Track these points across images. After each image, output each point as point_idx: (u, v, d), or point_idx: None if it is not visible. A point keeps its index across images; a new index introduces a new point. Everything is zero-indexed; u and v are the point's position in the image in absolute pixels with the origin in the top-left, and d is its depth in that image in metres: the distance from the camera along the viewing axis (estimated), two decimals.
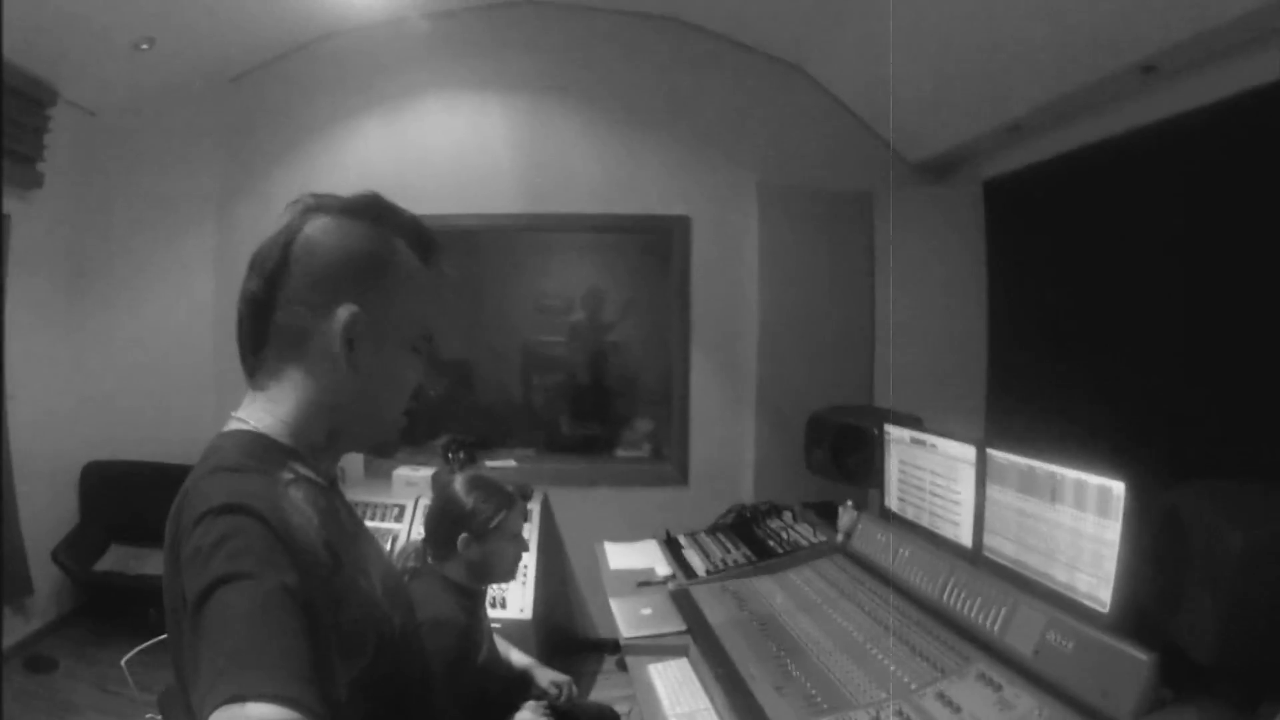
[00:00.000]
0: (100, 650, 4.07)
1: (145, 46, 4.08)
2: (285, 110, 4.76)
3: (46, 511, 4.51)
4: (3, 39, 3.27)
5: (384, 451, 1.26)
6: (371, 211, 1.15)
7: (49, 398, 4.54)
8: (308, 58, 4.75)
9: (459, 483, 2.41)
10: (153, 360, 4.75)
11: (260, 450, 1.05)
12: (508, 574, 2.44)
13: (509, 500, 2.39)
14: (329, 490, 1.12)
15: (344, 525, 1.11)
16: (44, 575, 4.44)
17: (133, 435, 4.58)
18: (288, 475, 1.03)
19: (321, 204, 1.14)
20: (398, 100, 4.73)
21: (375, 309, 1.10)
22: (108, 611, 4.43)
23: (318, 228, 1.11)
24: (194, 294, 4.67)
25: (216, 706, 0.69)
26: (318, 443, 1.12)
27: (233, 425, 1.09)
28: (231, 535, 0.86)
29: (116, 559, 4.54)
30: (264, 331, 1.10)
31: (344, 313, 1.07)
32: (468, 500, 2.35)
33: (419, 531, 2.59)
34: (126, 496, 4.51)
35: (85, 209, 4.71)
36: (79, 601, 4.72)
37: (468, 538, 2.31)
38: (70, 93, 4.30)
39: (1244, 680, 1.57)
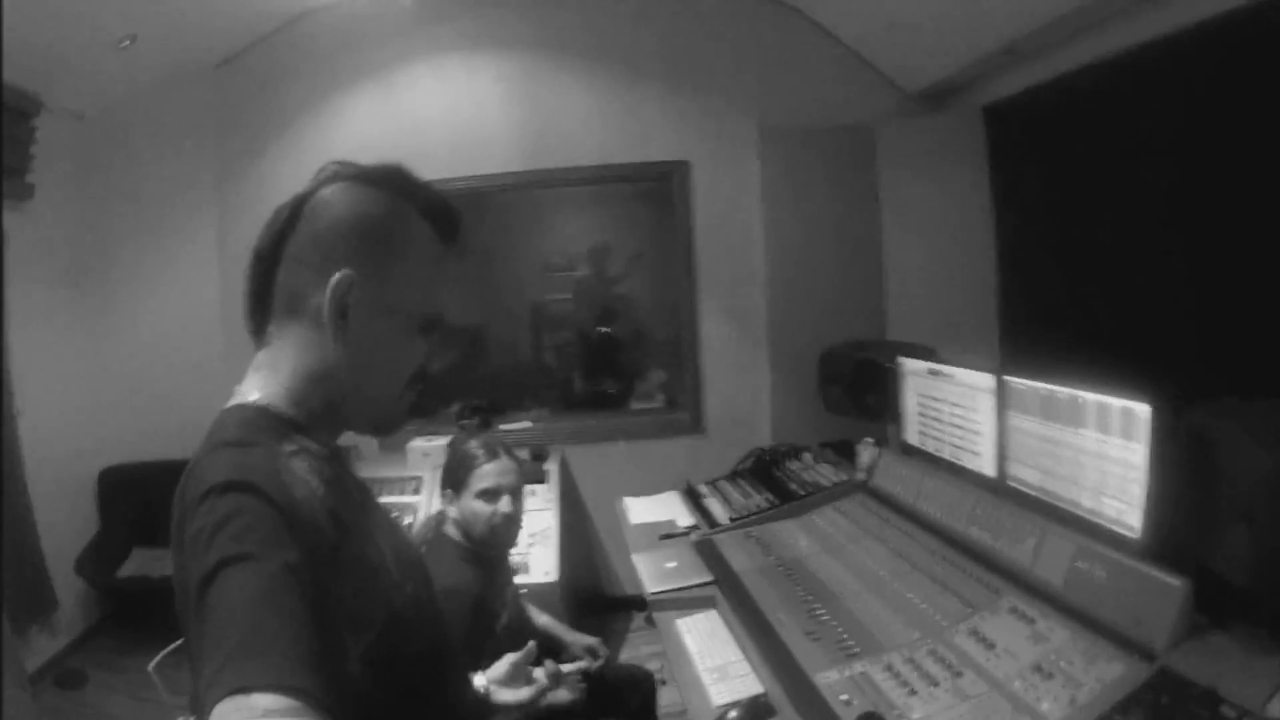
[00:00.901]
0: (129, 659, 4.07)
1: (126, 44, 4.02)
2: (274, 91, 4.73)
3: (66, 523, 4.52)
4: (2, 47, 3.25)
5: (383, 431, 1.20)
6: (390, 180, 1.12)
7: (60, 408, 4.54)
8: (291, 36, 4.69)
9: (472, 439, 2.43)
10: (162, 357, 4.75)
11: (262, 423, 1.03)
12: (488, 538, 2.35)
13: (487, 454, 2.36)
14: (333, 460, 1.09)
15: (350, 495, 1.09)
16: (68, 588, 4.44)
17: (147, 435, 4.57)
18: (290, 447, 1.01)
19: (342, 171, 1.12)
20: (387, 69, 4.70)
21: (376, 277, 1.07)
22: (134, 617, 4.44)
23: (332, 190, 1.09)
24: (199, 285, 4.66)
25: (220, 698, 0.68)
26: (316, 413, 1.09)
27: (235, 400, 1.07)
28: (234, 515, 0.84)
29: (139, 563, 4.56)
30: (267, 290, 1.08)
31: (338, 276, 1.04)
32: (454, 453, 2.39)
33: (436, 504, 2.57)
34: (145, 498, 4.47)
35: (82, 213, 4.69)
36: (105, 611, 4.74)
37: (450, 494, 2.34)
38: (55, 99, 4.25)
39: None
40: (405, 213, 1.11)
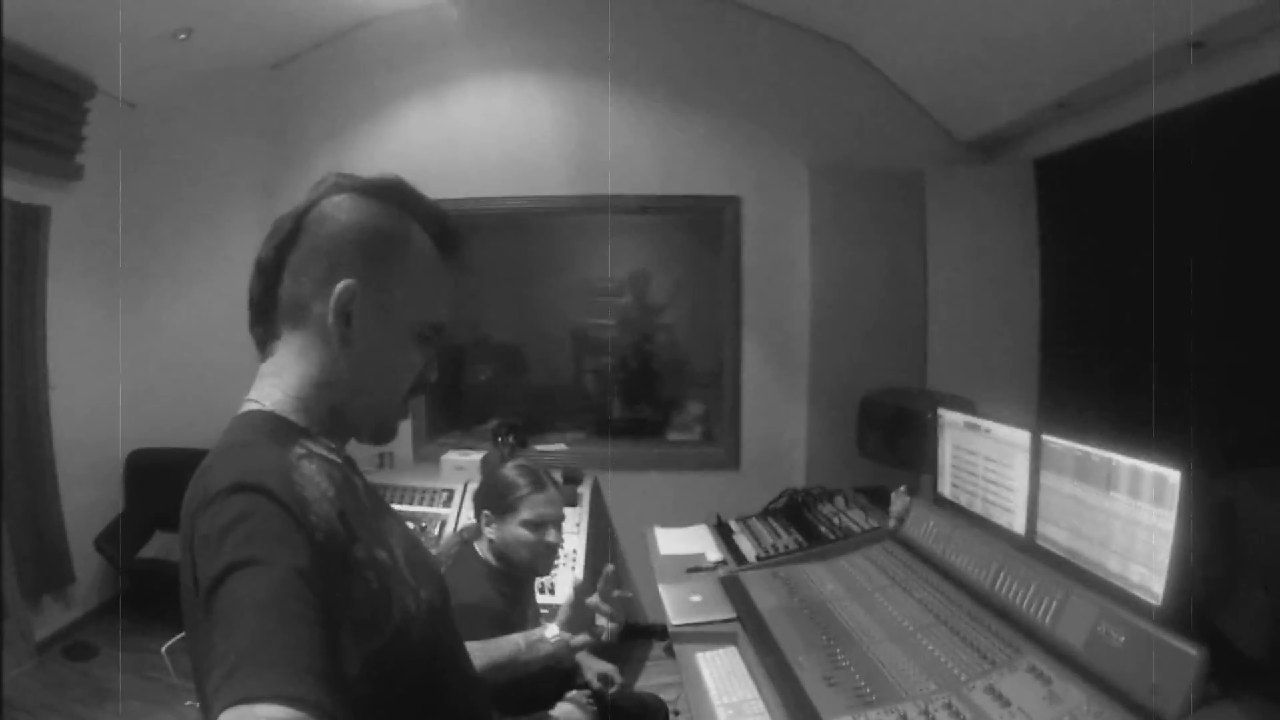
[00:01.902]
0: (142, 638, 4.13)
1: (183, 37, 4.13)
2: (326, 97, 4.81)
3: (91, 501, 4.63)
4: (2, 21, 3.32)
5: (381, 439, 1.21)
6: (390, 193, 1.15)
7: (93, 388, 4.65)
8: (347, 44, 4.79)
9: (509, 463, 2.45)
10: (198, 347, 4.81)
11: (271, 428, 1.05)
12: (528, 564, 2.38)
13: (534, 484, 2.37)
14: (343, 466, 1.10)
15: (361, 499, 1.10)
16: (87, 564, 4.55)
17: (178, 423, 4.60)
18: (300, 450, 1.02)
19: (343, 182, 1.14)
20: (438, 83, 4.75)
21: (377, 287, 1.10)
22: (150, 599, 4.48)
23: (333, 202, 1.12)
24: (237, 281, 4.65)
25: (226, 706, 0.69)
26: (323, 420, 1.11)
27: (246, 407, 1.10)
28: (242, 517, 0.86)
29: (160, 546, 4.64)
30: (271, 301, 1.11)
31: (340, 286, 1.07)
32: (503, 475, 2.38)
33: (468, 516, 2.60)
34: (171, 483, 4.47)
35: (127, 200, 4.75)
36: (121, 590, 4.81)
37: (489, 515, 2.34)
38: (108, 84, 4.35)
39: None
40: (406, 225, 1.15)
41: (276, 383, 1.10)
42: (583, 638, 1.75)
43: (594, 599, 1.81)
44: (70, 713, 3.73)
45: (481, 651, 1.54)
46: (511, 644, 1.60)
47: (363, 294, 1.08)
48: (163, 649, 2.72)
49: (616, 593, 1.92)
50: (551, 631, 1.64)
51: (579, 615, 1.71)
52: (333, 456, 1.09)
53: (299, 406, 1.09)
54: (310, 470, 0.99)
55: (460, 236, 1.21)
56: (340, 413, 1.13)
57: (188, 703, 3.56)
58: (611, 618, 1.89)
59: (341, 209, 1.11)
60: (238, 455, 0.98)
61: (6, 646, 3.88)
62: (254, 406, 1.09)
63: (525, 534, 2.32)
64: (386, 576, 1.03)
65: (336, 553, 0.93)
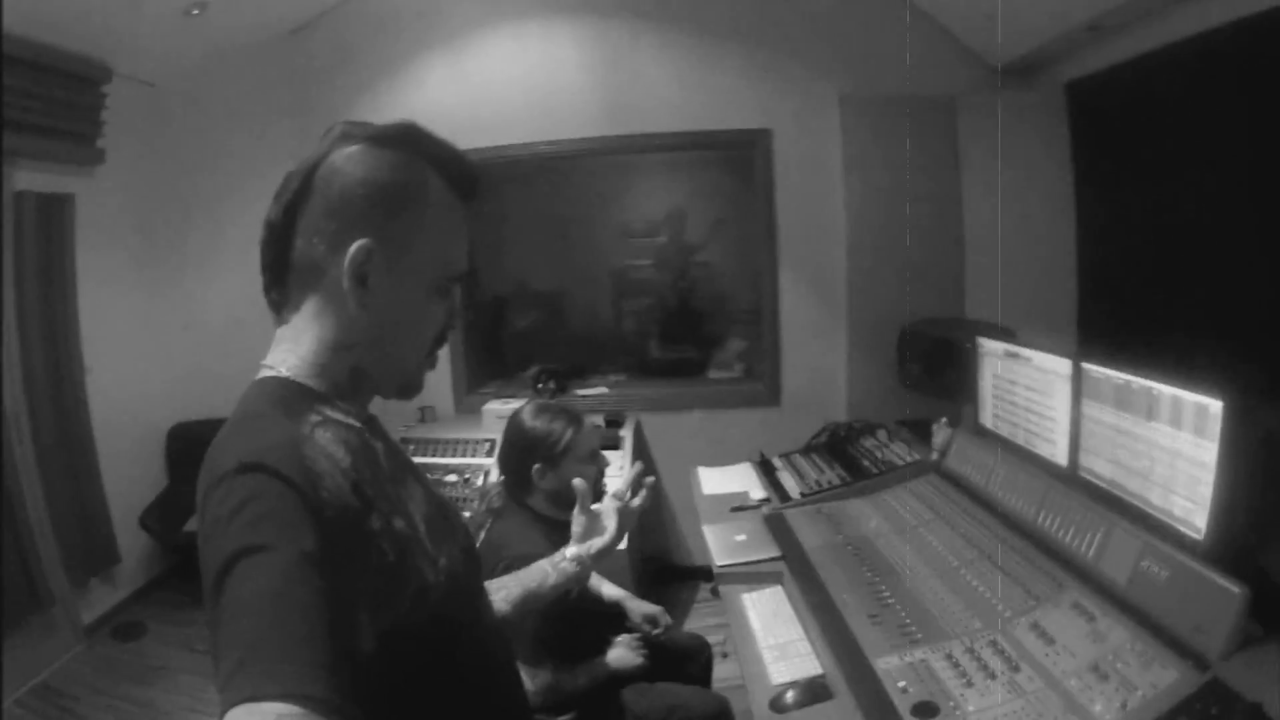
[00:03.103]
0: (189, 612, 4.23)
1: (196, 12, 4.08)
2: (347, 58, 4.77)
3: (134, 479, 4.70)
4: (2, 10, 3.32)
5: (408, 394, 1.18)
6: (404, 140, 1.10)
7: (132, 366, 4.71)
8: (363, 2, 4.74)
9: (526, 411, 2.43)
10: (233, 318, 4.74)
11: (285, 395, 1.04)
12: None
13: (576, 420, 2.40)
14: (363, 430, 1.09)
15: (380, 465, 1.08)
16: (132, 542, 4.63)
17: (217, 394, 4.56)
18: (314, 417, 1.01)
19: (352, 131, 1.09)
20: (462, 35, 4.69)
21: (394, 243, 1.06)
22: (197, 572, 4.57)
23: (343, 155, 1.07)
24: None
25: (235, 703, 0.70)
26: (342, 383, 1.09)
27: (262, 373, 1.08)
28: (249, 500, 0.85)
29: None
30: (284, 264, 1.08)
31: (355, 246, 1.03)
32: (534, 427, 2.37)
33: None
34: None
35: (155, 178, 4.80)
36: (168, 565, 4.90)
37: (541, 466, 2.34)
38: (125, 67, 4.34)
39: None
40: (421, 173, 1.10)
41: (292, 348, 1.08)
42: (600, 542, 1.72)
43: (604, 504, 1.77)
44: (121, 694, 3.78)
45: (515, 583, 1.56)
46: (540, 571, 1.62)
47: (379, 253, 1.05)
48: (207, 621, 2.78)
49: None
50: (571, 550, 1.66)
51: (590, 522, 1.71)
52: (351, 421, 1.08)
53: (316, 371, 1.08)
54: (324, 440, 0.99)
55: (477, 178, 1.16)
56: (362, 373, 1.11)
57: None
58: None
59: (353, 161, 1.06)
60: (246, 431, 0.97)
61: (54, 634, 3.97)
62: (269, 373, 1.08)
63: (583, 469, 2.33)
64: (404, 547, 1.02)
65: (350, 528, 0.93)
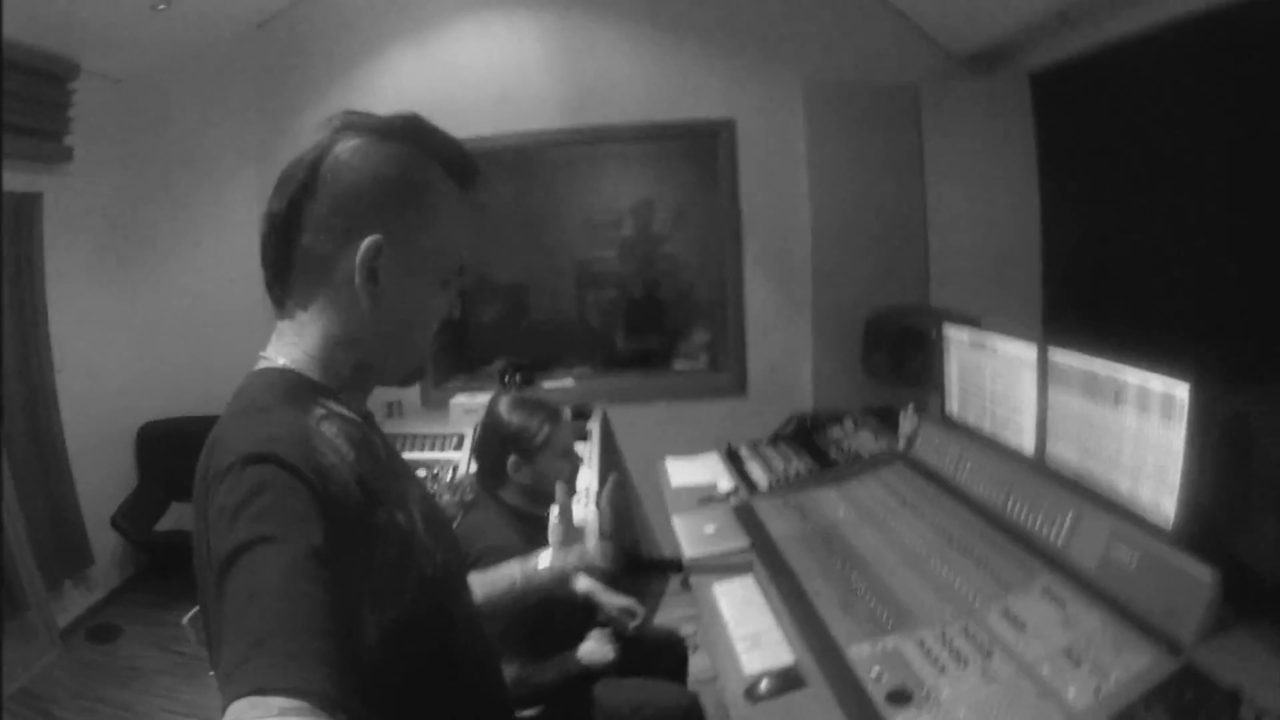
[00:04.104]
0: (163, 612, 4.17)
1: (163, 6, 4.02)
2: (315, 50, 4.74)
3: (105, 478, 4.64)
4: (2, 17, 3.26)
5: (410, 382, 1.21)
6: (407, 133, 1.10)
7: (101, 365, 4.65)
8: None
9: (503, 404, 2.41)
10: (201, 314, 4.85)
11: (288, 387, 1.03)
12: None
13: (554, 415, 2.40)
14: (363, 425, 1.09)
15: (380, 460, 1.08)
16: (104, 543, 4.57)
17: (187, 391, 4.65)
18: (319, 411, 1.01)
19: (354, 123, 1.09)
20: (429, 26, 4.68)
21: (403, 238, 1.06)
22: (170, 571, 4.54)
23: (348, 149, 1.06)
24: (238, 245, 4.66)
25: (239, 695, 0.69)
26: (345, 377, 1.09)
27: (261, 364, 1.07)
28: (257, 491, 0.84)
29: (178, 517, 4.68)
30: (287, 257, 1.06)
31: (366, 242, 1.03)
32: (512, 420, 2.36)
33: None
34: (185, 453, 4.48)
35: (123, 175, 4.75)
36: (140, 565, 4.85)
37: (516, 459, 2.33)
38: (92, 63, 4.28)
39: None
40: (426, 167, 1.10)
41: (297, 341, 1.08)
42: (574, 559, 1.74)
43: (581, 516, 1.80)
44: (100, 696, 3.75)
45: (480, 586, 1.55)
46: (508, 577, 1.61)
47: (388, 248, 1.04)
48: (184, 620, 2.74)
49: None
50: (545, 559, 1.65)
51: (568, 530, 1.71)
52: (353, 415, 1.07)
53: (320, 364, 1.07)
54: (330, 433, 0.98)
55: (478, 169, 1.17)
56: (367, 367, 1.11)
57: (210, 674, 3.60)
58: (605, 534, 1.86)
59: (359, 156, 1.05)
60: (254, 421, 0.96)
61: (30, 639, 3.90)
62: (270, 364, 1.07)
63: (560, 464, 2.37)
64: (405, 541, 1.03)
65: (355, 522, 0.93)
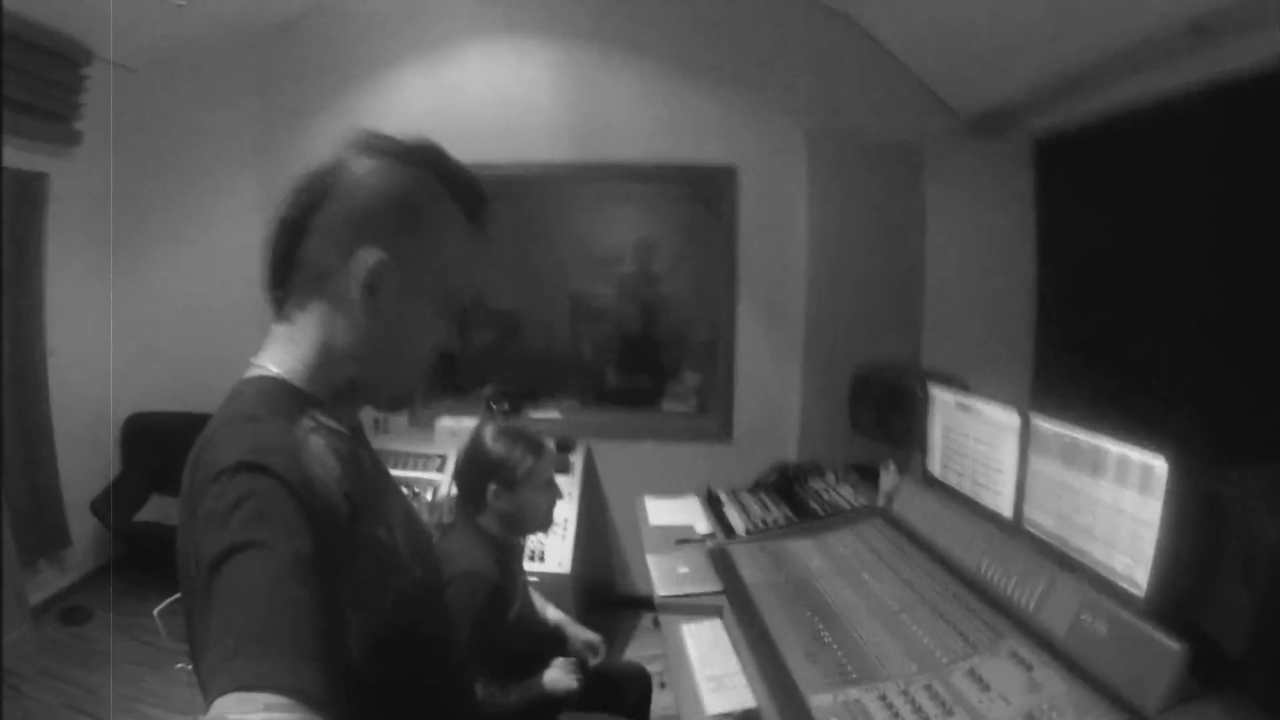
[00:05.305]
0: (136, 601, 4.14)
1: (182, 3, 4.05)
2: (325, 59, 4.75)
3: (88, 465, 4.63)
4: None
5: (399, 407, 1.22)
6: (424, 160, 1.11)
7: (91, 353, 4.63)
8: (347, 5, 4.72)
9: (488, 432, 2.40)
10: (196, 311, 4.84)
11: (280, 397, 1.03)
12: (541, 524, 2.44)
13: (538, 448, 2.38)
14: (351, 439, 1.10)
15: (367, 475, 1.09)
16: (83, 527, 4.57)
17: (174, 387, 4.67)
18: (308, 423, 1.02)
19: (372, 143, 1.10)
20: (439, 48, 4.69)
21: (406, 260, 1.06)
22: (146, 562, 4.52)
23: (363, 166, 1.07)
24: (236, 244, 4.68)
25: (225, 690, 0.69)
26: (338, 389, 1.10)
27: (254, 371, 1.07)
28: (247, 498, 0.85)
29: (156, 509, 4.64)
30: (291, 263, 1.07)
31: (367, 256, 1.04)
32: (495, 449, 2.35)
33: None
34: (168, 448, 4.45)
35: (127, 164, 4.74)
36: (117, 553, 4.82)
37: (497, 488, 2.31)
38: (109, 51, 4.30)
39: (1273, 678, 1.52)
40: (438, 195, 1.10)
41: (291, 349, 1.08)
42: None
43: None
44: (66, 677, 3.73)
45: None
46: None
47: (391, 267, 1.05)
48: (154, 611, 2.72)
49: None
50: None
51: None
52: (341, 428, 1.08)
53: (312, 375, 1.07)
54: (318, 446, 0.99)
55: (488, 200, 1.17)
56: (359, 383, 1.12)
57: (178, 666, 3.57)
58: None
59: (373, 174, 1.07)
60: (245, 430, 0.96)
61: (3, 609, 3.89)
62: (262, 371, 1.07)
63: (540, 496, 2.36)
64: (386, 557, 1.04)
65: (341, 534, 0.94)
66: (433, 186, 1.10)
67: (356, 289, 1.04)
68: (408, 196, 1.08)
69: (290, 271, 1.08)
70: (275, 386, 1.05)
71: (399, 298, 1.07)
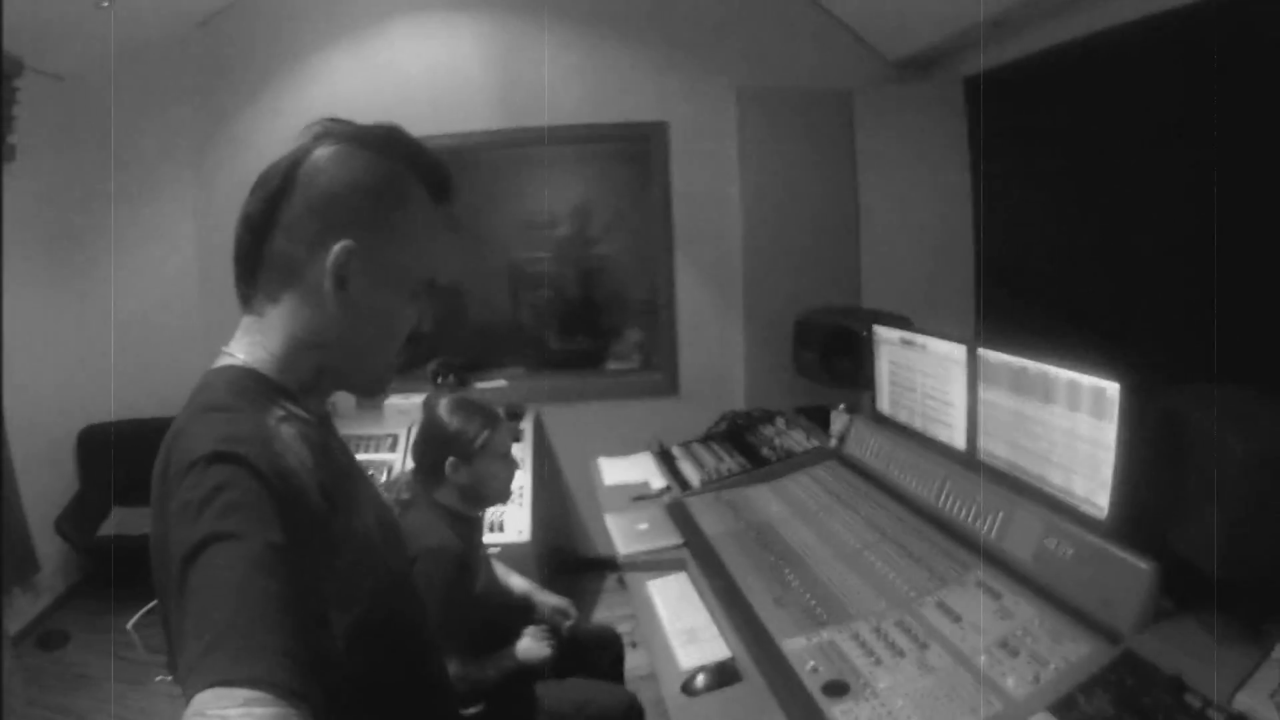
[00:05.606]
0: (109, 617, 4.03)
1: (106, 4, 3.90)
2: (253, 49, 4.66)
3: (46, 483, 4.50)
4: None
5: (372, 393, 1.21)
6: (386, 143, 1.09)
7: (40, 369, 4.48)
8: None
9: (442, 406, 2.37)
10: (141, 317, 4.73)
11: (250, 387, 1.02)
12: (500, 495, 2.41)
13: (493, 419, 2.36)
14: (320, 427, 1.09)
15: (338, 463, 1.09)
16: (49, 549, 4.44)
17: (126, 395, 4.57)
18: (278, 412, 1.00)
19: (334, 130, 1.08)
20: (367, 27, 4.63)
21: (375, 246, 1.05)
22: (114, 576, 4.39)
23: (326, 154, 1.05)
24: (177, 246, 4.65)
25: (202, 686, 0.69)
26: (307, 380, 1.08)
27: (223, 360, 1.06)
28: (220, 489, 0.83)
29: (119, 521, 4.52)
30: (259, 257, 1.05)
31: (337, 247, 1.02)
32: (451, 422, 2.32)
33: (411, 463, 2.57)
34: (125, 457, 4.40)
35: (63, 175, 4.60)
36: (85, 570, 4.73)
37: (455, 461, 2.29)
38: (35, 60, 4.14)
39: (1249, 595, 1.54)
40: (403, 179, 1.09)
41: (261, 340, 1.06)
42: None
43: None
44: (52, 704, 3.67)
45: None
46: None
47: (360, 255, 1.04)
48: (129, 625, 2.66)
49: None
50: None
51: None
52: (310, 417, 1.07)
53: (283, 366, 1.06)
54: (289, 436, 0.98)
55: (452, 184, 1.16)
56: (328, 371, 1.11)
57: (158, 678, 3.51)
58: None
59: (336, 162, 1.05)
60: (217, 420, 0.94)
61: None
62: (232, 361, 1.06)
63: (498, 467, 2.35)
64: (360, 547, 1.04)
65: (315, 525, 0.92)
66: (396, 169, 1.09)
67: (327, 280, 1.03)
68: (371, 181, 1.06)
69: (258, 266, 1.06)
70: (245, 376, 1.04)
71: (370, 285, 1.06)
